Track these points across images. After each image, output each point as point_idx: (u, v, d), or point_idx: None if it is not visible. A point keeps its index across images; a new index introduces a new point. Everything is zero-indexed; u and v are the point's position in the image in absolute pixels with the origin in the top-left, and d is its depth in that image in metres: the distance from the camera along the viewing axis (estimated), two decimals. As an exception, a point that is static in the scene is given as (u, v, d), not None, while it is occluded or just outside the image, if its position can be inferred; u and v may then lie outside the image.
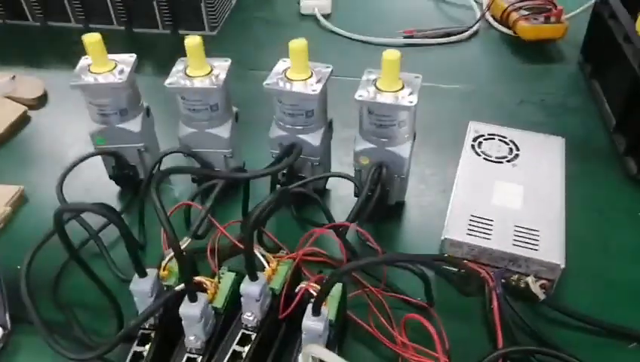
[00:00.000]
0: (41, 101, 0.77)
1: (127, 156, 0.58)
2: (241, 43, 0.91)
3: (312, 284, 0.38)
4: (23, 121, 0.73)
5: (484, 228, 0.50)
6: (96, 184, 0.63)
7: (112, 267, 0.52)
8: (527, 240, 0.49)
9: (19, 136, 0.71)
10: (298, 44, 0.50)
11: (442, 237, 0.50)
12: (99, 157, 0.59)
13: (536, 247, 0.48)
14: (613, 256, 0.54)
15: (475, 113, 0.73)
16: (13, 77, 0.78)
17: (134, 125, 0.56)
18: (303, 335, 0.35)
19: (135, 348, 0.38)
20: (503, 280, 0.49)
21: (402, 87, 0.50)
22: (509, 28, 0.91)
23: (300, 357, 0.34)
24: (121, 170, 0.58)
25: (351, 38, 0.91)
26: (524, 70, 0.85)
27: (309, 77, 0.51)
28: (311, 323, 0.35)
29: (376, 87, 0.50)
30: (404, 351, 0.42)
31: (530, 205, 0.53)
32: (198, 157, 0.56)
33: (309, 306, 0.35)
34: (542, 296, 0.47)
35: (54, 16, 0.95)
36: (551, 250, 0.48)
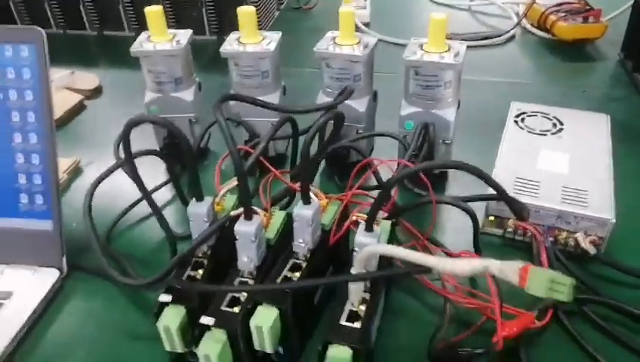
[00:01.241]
0: (96, 92, 0.82)
1: (179, 126, 0.60)
2: (286, 47, 0.94)
3: (358, 214, 0.39)
4: (79, 107, 0.77)
5: (531, 188, 0.50)
6: (144, 159, 0.65)
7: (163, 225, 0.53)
8: (575, 199, 0.48)
9: (76, 120, 0.75)
10: (346, 11, 0.52)
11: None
12: (150, 134, 0.62)
13: (585, 204, 0.48)
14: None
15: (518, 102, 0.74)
16: (72, 72, 0.83)
17: (188, 94, 0.59)
18: (355, 253, 0.35)
19: (190, 272, 0.39)
20: (551, 239, 0.48)
21: (448, 49, 0.51)
22: (547, 32, 0.93)
23: (354, 269, 0.34)
24: (172, 140, 0.60)
25: (390, 42, 0.94)
26: (564, 67, 0.86)
27: (357, 43, 0.53)
28: (364, 238, 0.35)
29: (423, 50, 0.51)
30: (454, 296, 0.42)
31: (577, 169, 0.52)
32: (247, 124, 0.58)
33: (362, 225, 0.36)
34: (593, 251, 0.46)
35: (110, 25, 1.01)
36: (600, 205, 0.47)
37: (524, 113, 0.62)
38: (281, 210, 0.45)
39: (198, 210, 0.39)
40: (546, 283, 0.27)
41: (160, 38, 0.56)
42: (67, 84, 0.81)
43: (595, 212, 0.47)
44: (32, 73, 0.45)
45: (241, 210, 0.38)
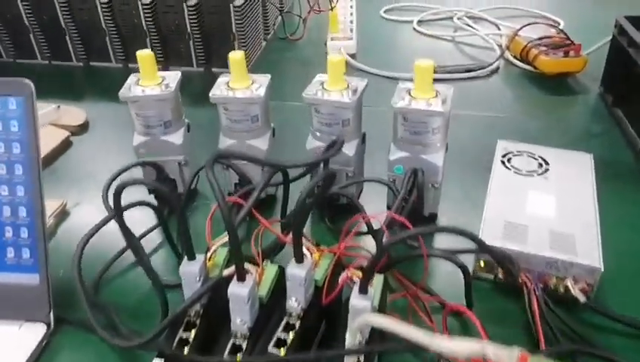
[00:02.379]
0: (83, 128, 0.81)
1: (168, 169, 0.60)
2: (272, 79, 0.95)
3: (352, 270, 0.39)
4: (66, 145, 0.77)
5: (519, 233, 0.51)
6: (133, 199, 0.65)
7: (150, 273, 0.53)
8: (563, 244, 0.49)
9: (62, 158, 0.74)
10: (336, 58, 0.53)
11: (478, 241, 0.50)
12: (140, 175, 0.61)
13: (573, 251, 0.48)
14: (650, 265, 0.54)
15: (501, 138, 0.75)
16: (58, 106, 0.82)
17: (177, 137, 0.58)
18: (350, 315, 0.35)
19: (181, 333, 0.38)
20: (541, 285, 0.48)
21: (436, 95, 0.52)
22: (529, 64, 0.94)
23: (349, 334, 0.34)
24: (161, 183, 0.60)
25: (376, 74, 0.95)
26: (546, 100, 0.87)
27: (346, 87, 0.54)
28: (358, 301, 0.35)
29: (411, 95, 0.52)
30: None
31: (564, 212, 0.53)
32: (236, 167, 0.57)
33: (356, 286, 0.36)
34: (582, 299, 0.47)
35: (96, 56, 1.01)
36: (588, 253, 0.48)
37: (510, 153, 0.63)
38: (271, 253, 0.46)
39: (190, 270, 0.39)
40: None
41: (149, 82, 0.56)
42: (53, 120, 0.80)
43: (583, 259, 0.47)
44: (20, 126, 0.44)
45: (233, 268, 0.38)
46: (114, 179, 0.56)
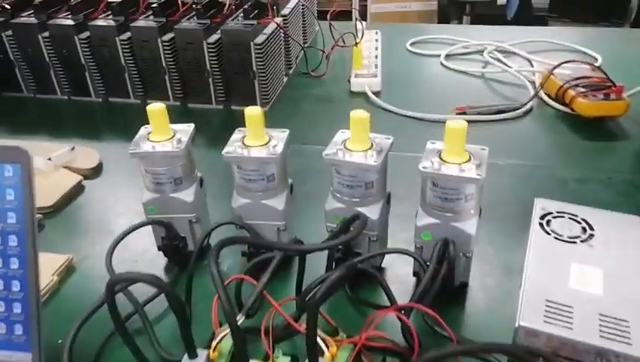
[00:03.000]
0: (96, 171, 0.78)
1: (178, 227, 0.56)
2: (293, 118, 0.92)
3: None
4: (78, 190, 0.74)
5: (563, 315, 0.45)
6: (144, 256, 0.61)
7: (155, 344, 0.49)
8: (616, 332, 0.43)
9: (72, 204, 0.72)
10: (359, 115, 0.49)
11: (516, 324, 0.45)
12: (147, 229, 0.58)
13: (627, 340, 0.43)
14: None
15: (536, 190, 0.70)
16: (73, 148, 0.80)
17: (187, 195, 0.55)
18: None
19: None
20: (589, 378, 0.43)
21: (469, 159, 0.47)
22: (565, 105, 0.89)
23: None
24: (170, 241, 0.56)
25: (401, 115, 0.91)
26: (585, 147, 0.81)
27: (369, 148, 0.50)
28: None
29: (441, 158, 0.47)
30: None
31: (614, 290, 0.47)
32: (251, 229, 0.53)
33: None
34: (639, 399, 0.41)
35: (115, 92, 0.99)
36: (645, 343, 0.42)
37: (549, 214, 0.57)
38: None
39: (191, 369, 0.35)
40: None
41: (160, 137, 0.53)
42: (66, 163, 0.78)
43: (639, 351, 0.42)
44: (16, 194, 0.41)
45: (239, 368, 0.33)
46: (120, 240, 0.53)
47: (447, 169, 0.46)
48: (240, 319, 0.38)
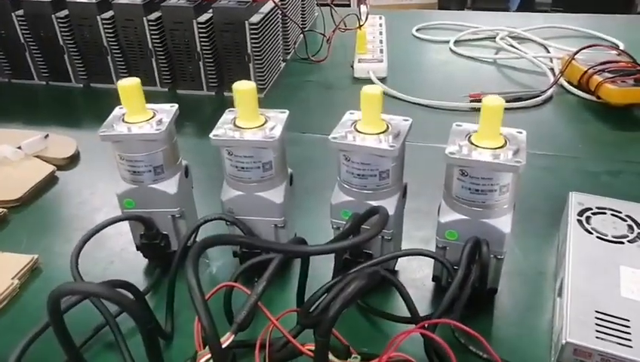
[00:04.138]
0: (72, 160, 0.70)
1: (159, 223, 0.48)
2: (291, 105, 0.83)
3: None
4: (50, 181, 0.66)
5: (618, 330, 0.38)
6: (120, 256, 0.54)
7: (125, 355, 0.41)
8: (683, 350, 0.36)
9: (43, 198, 0.64)
10: (372, 90, 0.41)
11: (563, 341, 0.37)
12: (126, 225, 0.50)
13: (699, 361, 0.35)
14: None
15: (564, 184, 0.62)
16: (46, 136, 0.72)
17: (170, 186, 0.47)
18: None
19: None
20: (653, 407, 0.35)
21: (504, 144, 0.39)
22: (589, 92, 0.81)
23: None
24: (150, 239, 0.49)
25: (410, 102, 0.83)
26: (614, 137, 0.74)
27: (384, 131, 0.42)
28: None
29: (471, 143, 0.40)
30: None
31: (675, 300, 0.40)
32: (243, 225, 0.46)
33: None
34: None
35: (97, 77, 0.91)
36: None
37: (588, 209, 0.50)
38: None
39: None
40: None
41: (137, 118, 0.45)
42: (38, 152, 0.70)
43: None
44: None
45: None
46: (89, 238, 0.46)
47: (480, 155, 0.39)
48: (227, 340, 0.30)
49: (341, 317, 0.45)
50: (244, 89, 0.42)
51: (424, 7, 3.09)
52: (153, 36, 0.83)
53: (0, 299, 0.47)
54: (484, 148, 0.39)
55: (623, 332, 0.37)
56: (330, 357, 0.30)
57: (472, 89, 0.84)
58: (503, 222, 0.41)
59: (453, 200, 0.42)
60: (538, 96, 0.83)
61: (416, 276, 0.50)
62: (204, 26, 0.81)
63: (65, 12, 0.85)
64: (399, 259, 0.51)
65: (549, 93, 0.83)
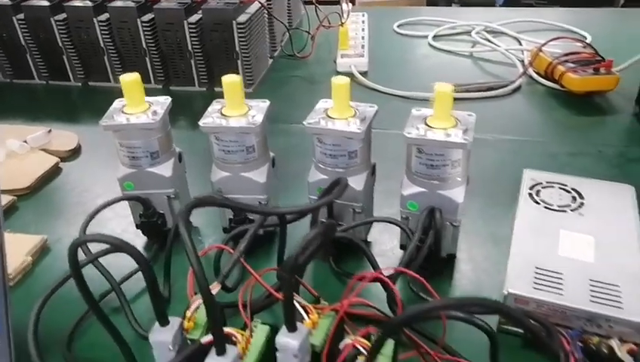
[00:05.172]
0: (74, 153, 0.76)
1: (156, 203, 0.54)
2: (278, 99, 0.89)
3: (359, 339, 0.32)
4: (54, 171, 0.72)
5: (553, 281, 0.44)
6: (122, 236, 0.59)
7: (132, 322, 0.47)
8: (606, 297, 0.42)
9: (49, 186, 0.69)
10: (340, 81, 0.47)
11: (505, 292, 0.43)
12: (126, 209, 0.56)
13: (618, 305, 0.41)
14: None
15: (526, 164, 0.68)
16: (49, 131, 0.78)
17: (165, 169, 0.53)
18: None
19: (152, 412, 0.32)
20: (580, 344, 0.41)
21: (455, 125, 0.46)
22: (554, 82, 0.87)
23: None
24: (148, 218, 0.54)
25: (389, 94, 0.89)
26: (575, 122, 0.80)
27: (353, 115, 0.48)
28: (362, 383, 0.29)
29: (427, 124, 0.46)
30: None
31: (605, 257, 0.46)
32: (231, 202, 0.51)
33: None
34: (631, 364, 0.40)
35: (95, 76, 0.96)
36: (637, 308, 0.41)
37: (538, 184, 0.56)
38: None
39: (162, 338, 0.33)
40: None
41: (135, 109, 0.51)
42: (43, 145, 0.75)
43: (630, 315, 0.40)
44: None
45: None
46: (94, 215, 0.51)
47: (433, 134, 0.45)
48: (214, 289, 0.36)
49: (318, 279, 0.51)
50: (231, 82, 0.48)
51: (413, 3, 3.14)
52: (147, 36, 0.89)
53: (16, 273, 0.53)
54: (437, 128, 0.45)
55: (556, 283, 0.43)
56: (301, 300, 0.36)
57: (449, 81, 0.88)
58: (457, 193, 0.47)
59: (413, 176, 0.48)
60: (507, 85, 0.89)
61: (387, 247, 0.56)
62: (194, 26, 0.87)
63: (63, 15, 0.91)
64: (372, 232, 0.57)
65: (517, 83, 0.89)
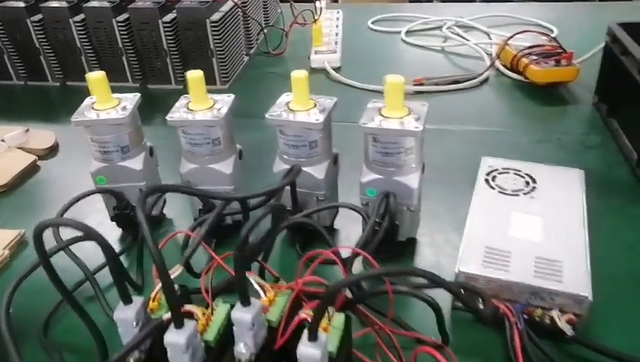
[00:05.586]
0: (52, 151, 0.78)
1: (129, 196, 0.56)
2: (253, 95, 0.92)
3: (308, 311, 0.35)
4: (32, 169, 0.73)
5: (501, 260, 0.47)
6: (98, 228, 0.61)
7: (105, 308, 0.49)
8: (549, 272, 0.45)
9: (27, 184, 0.71)
10: (299, 74, 0.49)
11: (456, 270, 0.46)
12: (102, 203, 0.58)
13: (559, 279, 0.44)
14: (647, 291, 0.49)
15: (490, 153, 0.71)
16: (27, 130, 0.79)
17: (136, 163, 0.55)
18: (299, 365, 0.31)
19: (118, 385, 0.34)
20: (525, 316, 0.44)
21: (408, 114, 0.48)
22: (519, 74, 0.91)
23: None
24: (122, 211, 0.57)
25: (361, 88, 0.92)
26: (538, 112, 0.83)
27: (312, 107, 0.50)
28: (306, 348, 0.31)
29: (381, 115, 0.48)
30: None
31: (551, 237, 0.49)
32: (199, 192, 0.54)
33: (305, 331, 0.32)
34: (569, 332, 0.43)
35: (72, 76, 0.98)
36: (576, 281, 0.44)
37: (495, 170, 0.59)
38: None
39: (125, 316, 0.35)
40: None
41: (104, 106, 0.53)
42: (21, 144, 0.77)
43: (570, 288, 0.43)
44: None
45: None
46: (67, 208, 0.53)
47: (387, 124, 0.47)
48: (176, 271, 0.38)
49: (283, 265, 0.53)
50: (194, 77, 0.51)
51: (396, 0, 3.17)
52: (122, 36, 0.91)
53: (-6, 265, 0.55)
54: (391, 118, 0.48)
55: (504, 261, 0.46)
56: (258, 279, 0.38)
57: (420, 75, 0.93)
58: (412, 179, 0.50)
59: (370, 164, 0.50)
60: (475, 78, 0.92)
61: (352, 233, 0.58)
62: (169, 25, 0.89)
63: (39, 16, 0.92)
64: (338, 220, 0.59)
65: (484, 75, 0.92)
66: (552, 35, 1.01)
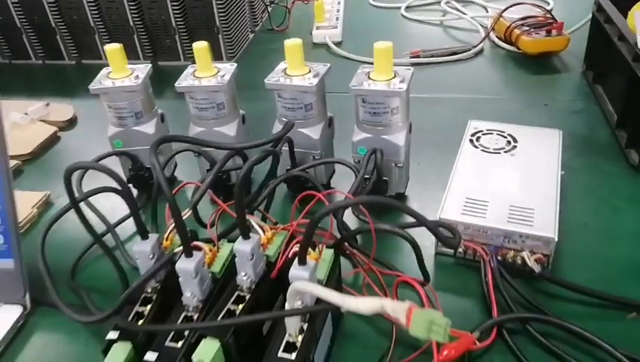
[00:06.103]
0: (71, 123, 0.84)
1: (143, 158, 0.62)
2: (258, 70, 0.95)
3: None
4: (53, 140, 0.79)
5: (479, 208, 0.52)
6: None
7: (125, 257, 0.55)
8: (521, 218, 0.50)
9: (49, 152, 0.77)
10: (292, 42, 0.54)
11: (437, 218, 0.51)
12: (119, 167, 0.64)
13: (530, 223, 0.49)
14: (614, 237, 0.54)
15: (479, 118, 0.75)
16: (47, 104, 0.85)
17: (149, 127, 0.60)
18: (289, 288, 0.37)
19: (137, 308, 0.40)
20: (499, 258, 0.49)
21: (394, 77, 0.53)
22: (512, 45, 0.94)
23: (287, 302, 0.35)
24: (137, 172, 0.62)
25: (361, 61, 0.96)
26: (530, 80, 0.87)
27: (307, 72, 0.55)
28: (297, 271, 0.37)
29: (370, 78, 0.53)
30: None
31: (526, 188, 0.54)
32: (207, 154, 0.59)
33: (296, 258, 0.37)
34: (537, 269, 0.48)
35: (87, 54, 1.03)
36: (544, 225, 0.49)
37: (480, 132, 0.64)
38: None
39: (143, 249, 0.41)
40: (426, 324, 0.28)
41: (119, 75, 0.58)
42: (42, 117, 0.83)
43: (539, 231, 0.48)
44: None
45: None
46: (88, 169, 0.59)
47: (374, 85, 0.52)
48: (185, 214, 0.44)
49: (284, 217, 0.58)
50: (200, 47, 0.56)
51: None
52: (133, 15, 0.96)
53: (25, 222, 0.61)
54: (378, 80, 0.52)
55: (482, 210, 0.51)
56: (258, 221, 0.43)
57: (419, 48, 0.97)
58: (399, 138, 0.54)
59: (361, 124, 0.55)
60: (470, 50, 0.95)
61: (344, 188, 0.63)
62: (177, 3, 0.93)
63: (55, -3, 0.97)
64: (334, 180, 0.64)
65: (479, 47, 0.96)
66: (548, 8, 1.04)
